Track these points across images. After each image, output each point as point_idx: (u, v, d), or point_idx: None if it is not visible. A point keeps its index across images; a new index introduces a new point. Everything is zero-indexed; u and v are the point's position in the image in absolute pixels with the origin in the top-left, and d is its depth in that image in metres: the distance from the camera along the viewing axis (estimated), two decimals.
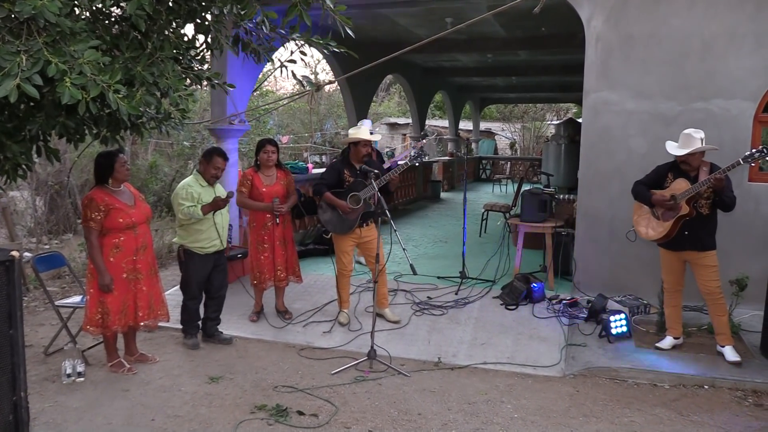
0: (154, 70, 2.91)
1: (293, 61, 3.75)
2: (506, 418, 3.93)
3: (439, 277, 6.97)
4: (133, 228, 4.42)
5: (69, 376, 4.35)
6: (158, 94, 3.00)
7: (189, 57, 3.38)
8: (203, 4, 3.24)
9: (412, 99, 15.86)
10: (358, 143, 5.36)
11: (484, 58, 13.52)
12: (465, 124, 25.20)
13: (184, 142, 14.04)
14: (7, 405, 3.04)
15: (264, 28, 3.43)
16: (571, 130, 12.87)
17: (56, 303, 4.98)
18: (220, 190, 5.06)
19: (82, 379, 4.39)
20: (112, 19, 3.09)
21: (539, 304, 5.95)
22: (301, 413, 3.93)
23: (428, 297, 6.29)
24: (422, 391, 4.32)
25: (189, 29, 3.43)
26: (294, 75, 3.80)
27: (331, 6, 3.26)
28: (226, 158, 5.04)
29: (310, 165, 9.97)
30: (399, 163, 5.52)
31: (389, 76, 16.54)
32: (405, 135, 26.19)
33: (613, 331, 5.09)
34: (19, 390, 3.08)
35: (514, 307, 5.92)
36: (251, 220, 5.66)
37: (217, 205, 4.91)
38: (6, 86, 2.32)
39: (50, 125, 2.92)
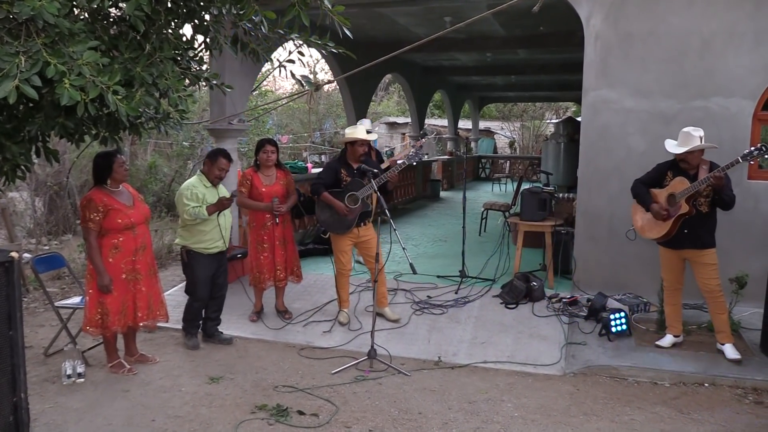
0: (153, 71, 2.91)
1: (292, 61, 3.74)
2: (506, 417, 3.93)
3: (438, 276, 6.97)
4: (132, 228, 4.41)
5: (69, 377, 4.35)
6: (157, 94, 3.00)
7: (188, 58, 3.38)
8: (202, 4, 3.24)
9: (412, 98, 15.86)
10: (354, 142, 5.35)
11: (484, 57, 13.51)
12: (464, 123, 25.19)
13: (184, 143, 14.03)
14: (7, 406, 3.05)
15: (262, 28, 3.42)
16: (571, 129, 12.84)
17: (56, 304, 4.98)
18: (223, 191, 5.06)
19: (82, 380, 4.39)
20: (111, 20, 3.09)
21: (539, 303, 5.95)
22: (301, 413, 3.93)
23: (428, 296, 6.29)
24: (422, 390, 4.32)
25: (187, 30, 3.43)
26: (293, 75, 3.79)
27: (329, 6, 3.25)
28: (230, 160, 5.05)
29: (309, 165, 9.98)
30: (398, 162, 5.52)
31: (388, 76, 16.54)
32: (404, 134, 26.16)
33: (613, 330, 5.09)
34: (19, 391, 3.09)
35: (514, 305, 5.92)
36: (251, 220, 5.66)
37: (222, 205, 4.91)
38: (5, 87, 2.32)
39: (49, 126, 2.92)
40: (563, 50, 11.47)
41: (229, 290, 5.39)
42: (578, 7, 6.04)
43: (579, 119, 6.76)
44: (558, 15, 7.24)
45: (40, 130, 2.94)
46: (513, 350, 4.99)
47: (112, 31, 3.05)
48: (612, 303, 5.52)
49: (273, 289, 5.74)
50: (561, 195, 8.63)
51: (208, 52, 3.57)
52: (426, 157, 15.35)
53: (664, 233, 4.70)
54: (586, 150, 6.20)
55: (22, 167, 3.12)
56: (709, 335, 5.01)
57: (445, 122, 23.83)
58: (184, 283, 5.21)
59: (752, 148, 4.43)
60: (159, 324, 4.85)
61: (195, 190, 4.87)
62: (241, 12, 3.31)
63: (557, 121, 17.68)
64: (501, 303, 6.03)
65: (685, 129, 4.61)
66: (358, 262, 6.91)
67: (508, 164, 22.85)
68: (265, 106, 13.92)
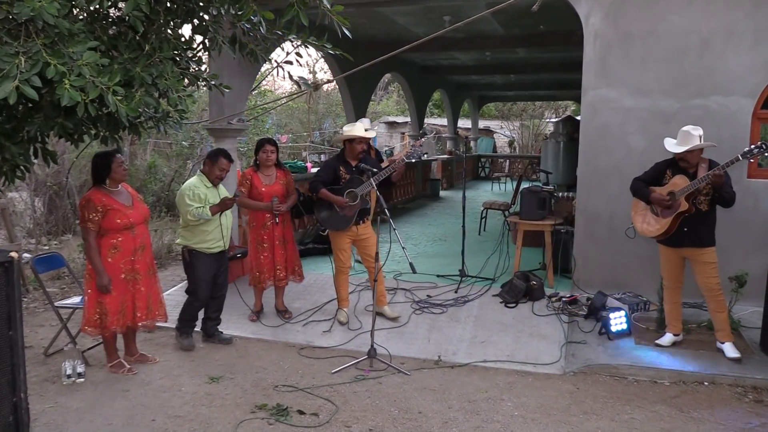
0: (152, 71, 2.91)
1: (290, 62, 3.74)
2: (506, 416, 3.93)
3: (438, 276, 6.97)
4: (131, 228, 4.41)
5: (69, 376, 4.35)
6: (156, 94, 3.00)
7: (187, 58, 3.38)
8: (201, 4, 3.24)
9: (411, 97, 15.85)
10: (353, 140, 5.35)
11: (483, 56, 13.51)
12: (464, 123, 25.17)
13: (183, 142, 14.03)
14: (7, 406, 3.05)
15: (261, 28, 3.42)
16: (570, 128, 12.85)
17: (56, 304, 4.98)
18: (223, 191, 5.06)
19: (82, 379, 4.39)
20: (110, 20, 3.09)
21: (539, 302, 5.95)
22: (301, 412, 3.93)
23: (428, 295, 6.29)
24: (422, 389, 4.32)
25: (186, 30, 3.43)
26: (290, 76, 3.79)
27: (328, 6, 3.25)
28: (231, 160, 5.04)
29: (308, 164, 9.97)
30: (398, 159, 5.52)
31: (388, 75, 16.53)
32: (404, 134, 26.16)
33: (613, 329, 5.09)
34: (19, 391, 3.09)
35: (513, 305, 5.92)
36: (251, 220, 5.66)
37: (225, 205, 4.91)
38: (5, 88, 2.32)
39: (48, 126, 2.92)
40: (562, 49, 11.46)
41: (230, 290, 5.39)
42: (577, 6, 6.04)
43: (578, 118, 6.76)
44: (557, 14, 7.24)
45: (40, 131, 2.94)
46: (513, 349, 4.99)
47: (111, 32, 3.05)
48: (612, 302, 5.52)
49: (272, 288, 5.73)
50: (560, 194, 8.63)
51: (206, 53, 3.56)
52: (425, 156, 15.35)
53: (663, 231, 4.70)
54: (586, 149, 6.21)
55: (22, 167, 3.12)
56: (708, 334, 5.01)
57: (444, 121, 23.82)
58: (185, 283, 5.21)
59: (752, 146, 4.44)
60: (158, 324, 4.85)
61: (197, 190, 4.86)
62: (240, 13, 3.31)
63: (557, 120, 17.69)
64: (501, 302, 6.03)
65: (684, 128, 4.62)
66: (357, 261, 6.90)
67: (507, 163, 22.86)
68: (265, 105, 13.91)
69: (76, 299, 5.07)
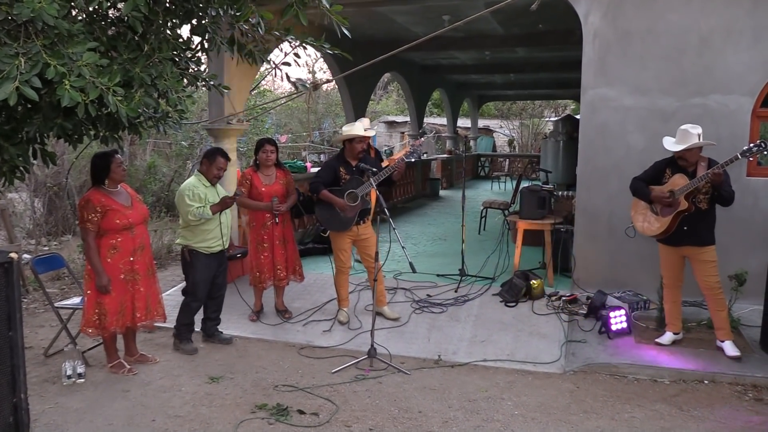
0: (152, 72, 2.92)
1: (287, 64, 3.74)
2: (507, 415, 3.93)
3: (438, 275, 6.97)
4: (130, 229, 4.41)
5: (69, 377, 4.35)
6: (156, 95, 3.00)
7: (186, 58, 3.38)
8: (200, 5, 3.24)
9: (410, 97, 15.85)
10: (353, 140, 5.35)
11: (482, 55, 13.51)
12: (463, 122, 25.17)
13: (182, 142, 14.03)
14: (7, 407, 3.05)
15: (259, 29, 3.42)
16: (570, 127, 12.85)
17: (56, 304, 4.98)
18: (221, 191, 5.06)
19: (82, 380, 4.39)
20: (109, 21, 3.09)
21: (539, 301, 5.95)
22: (301, 412, 3.93)
23: (428, 295, 6.29)
24: (423, 388, 4.32)
25: (185, 30, 3.43)
26: (288, 78, 3.78)
27: (327, 6, 3.25)
28: (228, 158, 5.04)
29: (308, 164, 9.98)
30: (398, 158, 5.52)
31: (387, 74, 16.52)
32: (403, 133, 26.16)
33: (613, 327, 5.09)
34: (19, 392, 3.09)
35: (513, 304, 5.92)
36: (251, 220, 5.66)
37: (225, 204, 4.91)
38: (5, 89, 2.32)
39: (48, 127, 2.92)
40: (562, 48, 11.46)
41: (230, 290, 5.39)
42: (576, 5, 6.04)
43: (578, 117, 6.77)
44: (556, 13, 7.25)
45: (39, 132, 2.95)
46: (513, 348, 4.99)
47: (110, 32, 3.05)
48: (611, 301, 5.52)
49: (272, 288, 5.73)
50: (560, 193, 8.63)
51: (205, 54, 3.56)
52: (425, 155, 15.34)
53: (663, 230, 4.70)
54: (585, 148, 6.21)
55: (21, 168, 3.12)
56: (708, 332, 5.01)
57: (444, 121, 23.81)
58: (184, 283, 5.21)
59: (751, 145, 4.44)
60: (158, 324, 4.85)
61: (196, 190, 4.85)
62: (238, 14, 3.31)
63: (556, 119, 17.68)
64: (501, 301, 6.03)
65: (683, 126, 4.62)
66: (357, 261, 6.91)
67: (507, 162, 22.87)
68: (264, 105, 13.91)
69: (76, 300, 5.07)
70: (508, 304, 5.93)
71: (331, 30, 3.48)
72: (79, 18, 2.91)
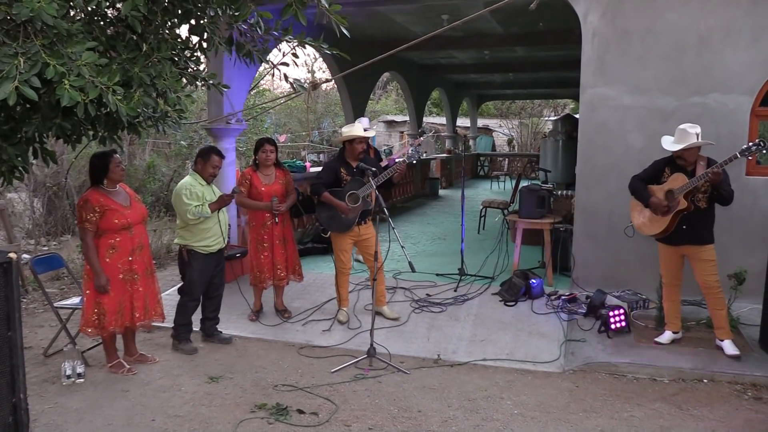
0: (151, 71, 2.91)
1: (285, 64, 3.73)
2: (506, 414, 3.94)
3: (437, 275, 6.97)
4: (128, 228, 4.41)
5: (69, 377, 4.35)
6: (155, 94, 3.00)
7: (185, 58, 3.38)
8: (199, 5, 3.24)
9: (410, 96, 15.85)
10: (353, 140, 5.35)
11: (481, 54, 13.52)
12: (462, 121, 25.18)
13: (182, 142, 14.03)
14: (6, 407, 3.04)
15: (258, 29, 3.41)
16: (569, 126, 12.85)
17: (55, 304, 4.98)
18: (216, 191, 5.06)
19: (81, 380, 4.39)
20: (108, 21, 3.09)
21: (538, 300, 5.95)
22: (301, 412, 3.93)
23: (427, 294, 6.28)
24: (422, 388, 4.32)
25: (184, 30, 3.42)
26: (286, 78, 3.78)
27: (326, 5, 3.25)
28: (222, 156, 5.03)
29: (307, 163, 9.96)
30: (397, 160, 5.52)
31: (386, 74, 16.52)
32: (402, 132, 26.16)
33: (612, 327, 5.09)
34: (18, 392, 3.09)
35: (513, 303, 5.92)
36: (250, 220, 5.66)
37: (223, 201, 4.91)
38: (5, 89, 2.32)
39: (47, 127, 2.92)
40: (561, 47, 11.47)
41: (229, 290, 5.39)
42: (575, 5, 6.04)
43: (577, 116, 6.77)
44: (555, 12, 7.25)
45: (38, 131, 2.94)
46: (512, 348, 5.00)
47: (109, 32, 3.05)
48: (611, 300, 5.53)
49: (271, 288, 5.73)
50: (559, 192, 8.63)
51: (203, 54, 3.56)
52: (424, 155, 15.34)
53: (662, 229, 4.71)
54: (585, 147, 6.21)
55: (20, 169, 3.11)
56: (707, 331, 5.01)
57: (443, 120, 23.81)
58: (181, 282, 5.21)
59: (750, 144, 4.44)
60: (157, 324, 4.85)
61: (193, 189, 4.85)
62: (237, 13, 3.30)
63: (555, 118, 17.69)
64: (500, 300, 6.03)
65: (682, 126, 4.62)
66: (357, 260, 6.91)
67: (506, 162, 22.88)
68: (263, 105, 13.91)
69: (76, 300, 5.07)
70: (508, 304, 5.93)
71: (330, 29, 3.48)
72: (78, 18, 2.90)
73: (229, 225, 6.01)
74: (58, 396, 4.17)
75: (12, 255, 2.97)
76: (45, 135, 3.10)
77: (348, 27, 3.44)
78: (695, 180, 4.49)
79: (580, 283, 6.21)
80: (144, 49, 2.97)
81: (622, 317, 5.13)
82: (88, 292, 4.36)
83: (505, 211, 9.63)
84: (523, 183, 7.89)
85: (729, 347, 4.65)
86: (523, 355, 4.86)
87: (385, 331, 5.28)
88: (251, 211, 5.60)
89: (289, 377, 4.50)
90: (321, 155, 21.15)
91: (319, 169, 6.20)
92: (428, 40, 4.49)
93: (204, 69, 3.66)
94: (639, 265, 5.90)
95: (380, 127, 27.53)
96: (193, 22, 3.33)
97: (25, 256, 6.57)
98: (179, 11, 3.17)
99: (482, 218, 10.19)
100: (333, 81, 12.49)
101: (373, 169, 5.23)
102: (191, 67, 3.43)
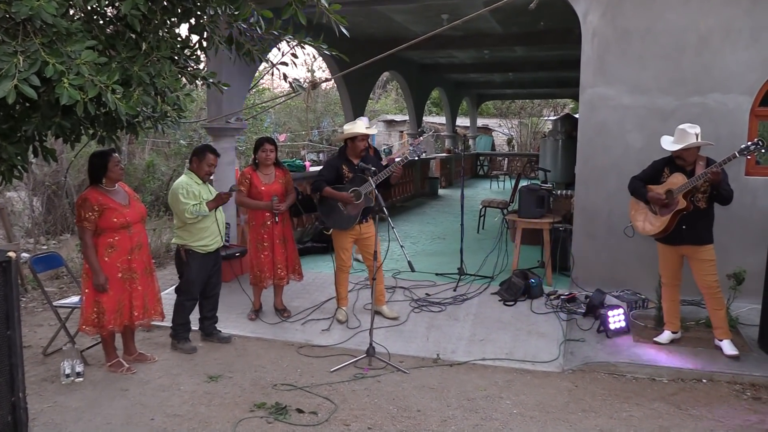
0: (150, 70, 2.91)
1: (285, 64, 3.73)
2: (505, 414, 3.94)
3: (437, 274, 6.97)
4: (127, 227, 4.41)
5: (68, 376, 4.35)
6: (154, 93, 3.00)
7: (184, 57, 3.38)
8: (198, 4, 3.23)
9: (409, 96, 15.84)
10: (355, 138, 5.35)
11: (481, 54, 13.52)
12: (462, 121, 25.18)
13: (181, 141, 14.03)
14: (5, 406, 3.04)
15: (258, 29, 3.41)
16: (568, 126, 12.87)
17: (54, 303, 4.98)
18: (212, 190, 5.05)
19: (81, 379, 4.39)
20: (107, 19, 3.08)
21: (537, 300, 5.95)
22: (300, 411, 3.93)
23: (426, 294, 6.29)
24: (421, 387, 4.32)
25: (183, 29, 3.42)
26: (285, 78, 3.77)
27: (326, 4, 3.25)
28: (218, 154, 5.01)
29: (307, 163, 9.97)
30: (396, 159, 5.52)
31: (386, 73, 16.51)
32: (402, 132, 26.17)
33: (611, 326, 5.10)
34: (17, 391, 3.08)
35: (512, 303, 5.92)
36: (250, 219, 5.66)
37: (221, 199, 4.90)
38: (4, 87, 2.31)
39: (46, 126, 2.91)
40: (561, 47, 11.47)
41: (229, 289, 5.39)
42: (575, 4, 6.04)
43: (577, 116, 6.77)
44: (555, 12, 7.25)
45: (37, 130, 2.94)
46: (511, 347, 5.00)
47: (108, 31, 3.04)
48: (610, 300, 5.53)
49: (271, 287, 5.73)
50: (559, 192, 8.64)
51: (203, 53, 3.56)
52: (424, 154, 15.36)
53: (662, 229, 4.71)
54: (584, 147, 6.21)
55: (19, 168, 3.11)
56: (707, 331, 5.02)
57: (443, 120, 23.81)
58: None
59: (749, 143, 4.44)
60: (156, 323, 4.84)
61: (189, 188, 4.83)
62: (236, 12, 3.30)
63: (555, 118, 17.69)
64: (499, 300, 6.03)
65: (681, 126, 4.62)
66: (356, 260, 6.91)
67: (506, 161, 22.88)
68: (263, 104, 13.91)
69: (75, 299, 5.07)
70: (507, 303, 5.93)
71: (330, 29, 3.48)
72: (78, 16, 2.90)
73: (228, 224, 6.03)
74: (57, 395, 4.17)
75: (11, 254, 2.96)
76: (44, 134, 3.10)
77: (347, 26, 3.44)
78: (694, 179, 4.49)
79: (579, 283, 6.21)
80: (143, 48, 2.96)
81: (622, 317, 5.13)
82: (87, 291, 4.36)
83: (505, 211, 9.63)
84: (523, 183, 7.90)
85: (728, 347, 4.66)
86: (523, 355, 4.86)
87: (384, 331, 5.28)
88: (251, 210, 5.60)
89: (288, 376, 4.50)
90: (321, 154, 21.14)
91: (319, 168, 6.20)
92: (428, 40, 4.50)
93: (204, 68, 3.66)
94: (638, 264, 5.91)
95: (380, 126, 27.53)
96: (192, 21, 3.32)
97: (24, 255, 6.58)
98: (179, 10, 3.17)
99: (482, 218, 10.19)
100: (333, 80, 12.49)
101: (373, 168, 5.23)
102: (191, 66, 3.42)
